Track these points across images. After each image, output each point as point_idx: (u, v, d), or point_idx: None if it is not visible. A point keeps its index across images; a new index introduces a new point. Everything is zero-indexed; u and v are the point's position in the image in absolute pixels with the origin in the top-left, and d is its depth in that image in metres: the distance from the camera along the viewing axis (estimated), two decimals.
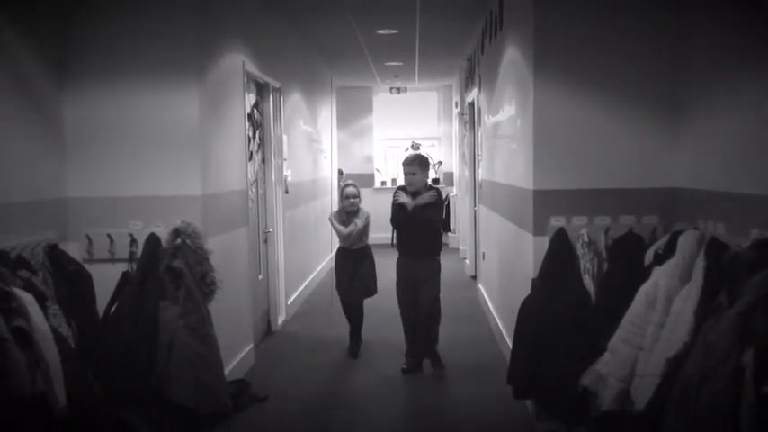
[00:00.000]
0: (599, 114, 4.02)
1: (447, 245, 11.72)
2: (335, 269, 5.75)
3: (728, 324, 2.42)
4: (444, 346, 5.37)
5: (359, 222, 5.58)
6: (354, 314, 5.78)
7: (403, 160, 5.36)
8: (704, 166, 3.62)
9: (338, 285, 5.68)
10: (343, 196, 5.72)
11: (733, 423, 2.25)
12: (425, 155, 5.76)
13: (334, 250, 5.83)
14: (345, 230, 5.61)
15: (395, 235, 5.41)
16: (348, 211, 5.67)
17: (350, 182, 5.91)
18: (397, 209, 5.23)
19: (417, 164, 5.24)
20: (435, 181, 12.98)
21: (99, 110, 4.18)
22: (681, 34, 3.85)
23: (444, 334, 5.40)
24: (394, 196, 5.27)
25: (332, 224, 5.72)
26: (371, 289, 5.70)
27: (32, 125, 3.87)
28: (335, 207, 11.29)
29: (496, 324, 6.05)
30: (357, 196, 5.69)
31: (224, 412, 4.04)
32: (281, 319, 6.59)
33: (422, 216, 5.11)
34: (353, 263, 5.62)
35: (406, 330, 5.30)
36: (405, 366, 5.20)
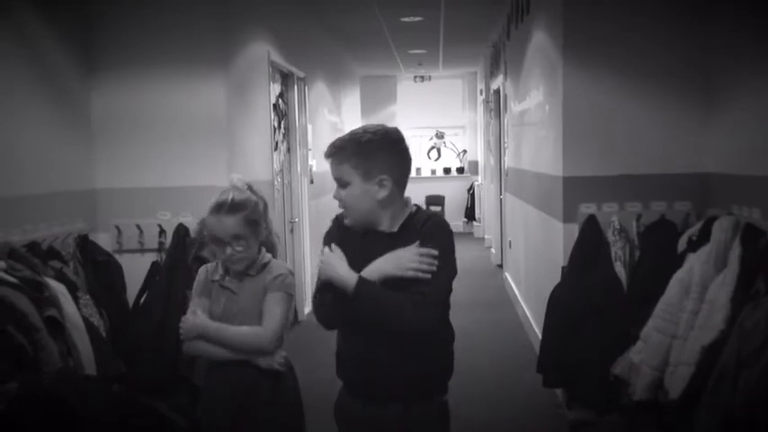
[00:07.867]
0: (629, 99, 3.95)
1: (472, 234, 11.69)
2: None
3: (766, 311, 2.36)
4: (471, 334, 5.33)
5: (274, 302, 2.44)
6: None
7: (327, 150, 2.14)
8: (738, 150, 3.54)
9: None
10: (213, 226, 2.44)
11: None
12: (394, 129, 2.28)
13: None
14: (238, 332, 2.38)
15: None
16: (232, 262, 2.40)
17: (239, 179, 2.56)
18: (326, 274, 2.22)
19: (377, 157, 2.14)
20: (460, 170, 12.89)
21: (126, 101, 4.20)
22: (713, 15, 3.76)
23: (471, 322, 5.36)
24: (326, 238, 2.28)
25: (189, 318, 2.43)
26: None
27: (60, 116, 3.89)
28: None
29: (524, 312, 6.00)
30: (258, 221, 2.44)
31: None
32: (307, 309, 6.61)
33: (389, 303, 2.04)
34: (240, 412, 2.39)
35: None
36: None
